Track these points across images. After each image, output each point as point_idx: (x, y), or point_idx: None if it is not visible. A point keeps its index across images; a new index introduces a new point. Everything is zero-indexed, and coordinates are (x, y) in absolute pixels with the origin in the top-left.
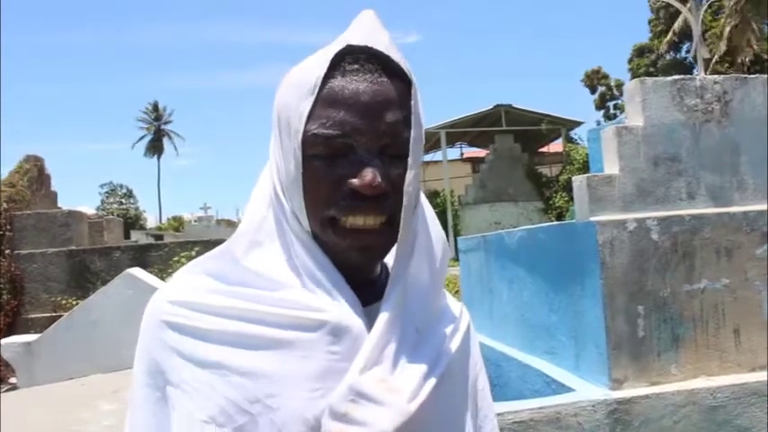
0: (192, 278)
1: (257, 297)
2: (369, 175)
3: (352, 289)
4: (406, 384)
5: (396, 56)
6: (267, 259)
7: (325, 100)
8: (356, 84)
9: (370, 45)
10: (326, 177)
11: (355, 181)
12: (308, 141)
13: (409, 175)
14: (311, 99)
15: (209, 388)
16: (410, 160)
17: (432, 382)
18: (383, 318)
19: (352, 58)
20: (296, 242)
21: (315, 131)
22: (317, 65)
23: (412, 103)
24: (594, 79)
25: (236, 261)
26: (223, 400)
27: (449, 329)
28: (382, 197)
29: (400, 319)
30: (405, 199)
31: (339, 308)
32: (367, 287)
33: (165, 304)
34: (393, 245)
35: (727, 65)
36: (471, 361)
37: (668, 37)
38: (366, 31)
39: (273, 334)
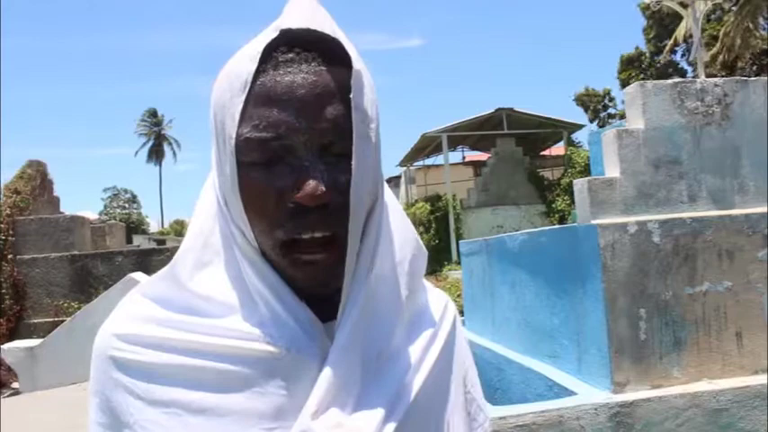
0: (137, 307)
1: (204, 327)
2: (310, 185)
3: (311, 305)
4: (366, 426)
5: (340, 38)
6: (215, 281)
7: (257, 98)
8: (291, 76)
9: (309, 27)
10: (266, 191)
11: (296, 193)
12: (242, 147)
13: (354, 179)
14: (242, 98)
15: (162, 429)
16: (354, 162)
17: (395, 419)
18: (337, 348)
19: (287, 46)
20: (244, 261)
21: (247, 135)
22: (248, 57)
23: (351, 95)
24: (586, 100)
25: (181, 285)
26: None
27: (424, 340)
28: (329, 206)
29: (359, 346)
30: (350, 208)
31: (293, 335)
32: (328, 300)
33: (111, 338)
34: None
35: (725, 72)
36: (457, 361)
37: (670, 44)
38: (302, 12)
39: (223, 368)
